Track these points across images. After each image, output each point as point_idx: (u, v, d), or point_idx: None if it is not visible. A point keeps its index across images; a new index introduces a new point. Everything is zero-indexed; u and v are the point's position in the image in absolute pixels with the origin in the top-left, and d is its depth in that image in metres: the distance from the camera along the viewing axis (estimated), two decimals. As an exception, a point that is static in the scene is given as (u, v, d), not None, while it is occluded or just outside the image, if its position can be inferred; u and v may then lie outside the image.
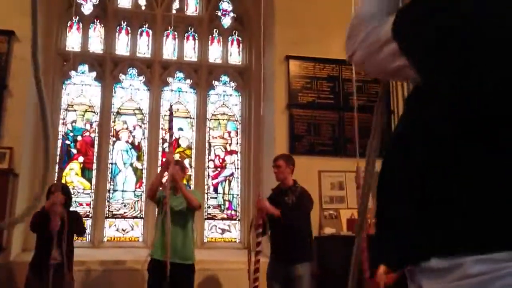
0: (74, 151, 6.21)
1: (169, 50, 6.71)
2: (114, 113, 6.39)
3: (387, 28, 0.96)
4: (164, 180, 4.49)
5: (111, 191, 6.20)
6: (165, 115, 6.45)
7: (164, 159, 4.95)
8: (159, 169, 6.15)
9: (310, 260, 4.28)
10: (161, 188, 4.51)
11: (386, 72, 1.00)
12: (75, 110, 6.31)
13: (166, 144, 6.27)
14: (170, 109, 4.55)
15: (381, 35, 0.97)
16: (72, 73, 6.35)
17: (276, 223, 4.20)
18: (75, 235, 4.56)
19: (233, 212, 6.50)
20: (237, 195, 6.53)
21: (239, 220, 6.45)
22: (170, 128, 4.51)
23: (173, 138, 4.74)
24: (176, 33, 6.74)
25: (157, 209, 4.65)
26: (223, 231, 6.41)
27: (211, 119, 6.68)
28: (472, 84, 0.82)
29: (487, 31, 0.82)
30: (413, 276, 0.89)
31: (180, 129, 6.55)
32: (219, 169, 6.60)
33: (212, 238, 6.33)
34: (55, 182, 4.72)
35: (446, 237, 0.81)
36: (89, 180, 6.16)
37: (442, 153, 0.84)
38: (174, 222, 4.33)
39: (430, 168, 0.85)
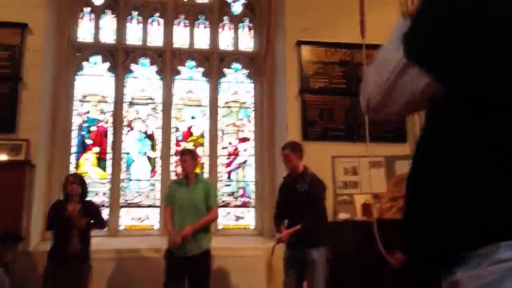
0: (89, 141, 6.27)
1: (180, 38, 6.71)
2: (127, 103, 6.43)
3: (398, 58, 0.94)
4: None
5: (126, 181, 6.26)
6: (177, 104, 6.47)
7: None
8: (171, 158, 6.21)
9: (324, 245, 4.30)
10: (176, 177, 4.59)
11: (410, 101, 0.96)
12: (88, 101, 6.36)
13: (179, 133, 6.32)
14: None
15: (395, 66, 0.95)
16: (85, 64, 6.39)
17: (290, 211, 4.28)
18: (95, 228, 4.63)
19: (247, 199, 6.53)
20: (251, 182, 6.55)
21: (253, 207, 6.48)
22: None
23: None
24: (187, 21, 6.73)
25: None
26: (238, 218, 6.44)
27: (223, 107, 6.69)
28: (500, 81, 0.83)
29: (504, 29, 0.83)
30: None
31: (193, 117, 6.58)
32: (232, 157, 6.61)
33: (226, 225, 6.37)
34: (71, 173, 4.80)
35: (483, 224, 0.82)
36: (104, 170, 6.23)
37: (474, 149, 0.86)
38: (188, 214, 4.36)
39: (462, 165, 0.87)
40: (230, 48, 6.84)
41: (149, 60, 6.57)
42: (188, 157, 4.56)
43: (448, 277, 0.88)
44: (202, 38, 6.80)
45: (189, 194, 4.46)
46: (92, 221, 4.45)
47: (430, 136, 0.96)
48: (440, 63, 0.89)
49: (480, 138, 0.85)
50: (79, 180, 4.59)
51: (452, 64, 0.86)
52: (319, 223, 4.26)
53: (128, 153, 6.32)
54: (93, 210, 4.60)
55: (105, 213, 6.02)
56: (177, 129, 6.44)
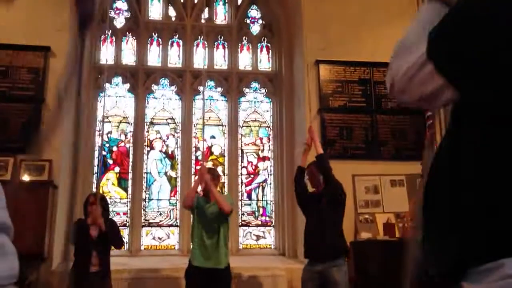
0: (110, 161, 6.34)
1: (199, 59, 6.79)
2: (148, 123, 6.50)
3: (422, 50, 0.95)
4: (199, 189, 4.60)
5: (147, 200, 6.29)
6: (197, 124, 6.53)
7: (198, 167, 5.03)
8: (192, 177, 6.22)
9: (345, 254, 4.24)
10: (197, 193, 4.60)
11: (425, 96, 0.98)
12: (110, 122, 6.45)
13: (199, 152, 6.35)
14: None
15: (417, 58, 0.97)
16: (107, 85, 6.50)
17: (312, 226, 4.23)
18: (112, 247, 4.63)
19: (267, 219, 6.50)
20: (271, 201, 6.53)
21: (273, 226, 6.44)
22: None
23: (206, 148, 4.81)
24: (206, 42, 6.82)
25: (192, 216, 4.68)
26: (258, 237, 6.41)
27: (242, 126, 6.72)
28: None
29: None
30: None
31: (212, 137, 6.61)
32: (252, 176, 6.61)
33: (247, 244, 6.34)
34: (94, 192, 4.83)
35: (488, 239, 0.81)
36: (125, 190, 6.28)
37: (482, 164, 0.85)
38: (208, 228, 4.40)
39: (473, 179, 0.86)
40: (249, 68, 6.90)
41: (168, 80, 6.66)
42: (209, 175, 4.58)
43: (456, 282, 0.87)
44: (221, 58, 6.88)
45: (208, 209, 4.48)
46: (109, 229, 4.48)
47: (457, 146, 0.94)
48: (460, 71, 0.88)
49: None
50: (99, 200, 4.62)
51: (474, 73, 0.86)
52: (336, 230, 4.21)
53: (149, 173, 6.36)
54: (113, 228, 4.61)
55: (125, 233, 6.07)
56: (197, 149, 6.47)
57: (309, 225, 4.35)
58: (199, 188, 4.67)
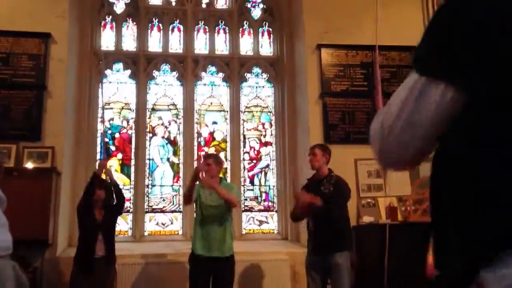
0: (112, 148, 6.35)
1: (200, 44, 6.76)
2: (150, 109, 6.49)
3: (412, 82, 0.91)
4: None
5: (150, 186, 6.31)
6: (199, 109, 6.52)
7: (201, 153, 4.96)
8: (195, 163, 6.22)
9: (349, 250, 4.23)
10: (197, 183, 4.50)
11: (433, 129, 0.90)
12: (112, 108, 6.45)
13: (201, 138, 6.36)
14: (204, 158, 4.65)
15: (408, 92, 0.92)
16: (108, 71, 6.48)
17: (313, 213, 4.19)
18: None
19: (270, 204, 6.52)
20: (273, 186, 6.54)
21: (276, 211, 6.47)
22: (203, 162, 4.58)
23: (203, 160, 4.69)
24: (207, 27, 6.78)
25: (194, 204, 4.64)
26: (261, 222, 6.44)
27: (244, 112, 6.70)
28: None
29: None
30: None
31: (214, 122, 6.61)
32: (254, 161, 6.62)
33: (250, 230, 6.37)
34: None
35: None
36: (128, 176, 6.29)
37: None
38: (212, 217, 4.37)
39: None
40: (250, 53, 6.86)
41: (170, 66, 6.64)
42: (211, 160, 4.51)
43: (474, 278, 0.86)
44: (222, 43, 6.84)
45: (212, 197, 4.44)
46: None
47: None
48: (464, 69, 0.85)
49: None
50: (101, 185, 4.65)
51: (476, 65, 0.83)
52: (341, 222, 4.18)
53: (151, 159, 6.37)
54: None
55: (129, 219, 6.11)
56: (200, 135, 6.47)
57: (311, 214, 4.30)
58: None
